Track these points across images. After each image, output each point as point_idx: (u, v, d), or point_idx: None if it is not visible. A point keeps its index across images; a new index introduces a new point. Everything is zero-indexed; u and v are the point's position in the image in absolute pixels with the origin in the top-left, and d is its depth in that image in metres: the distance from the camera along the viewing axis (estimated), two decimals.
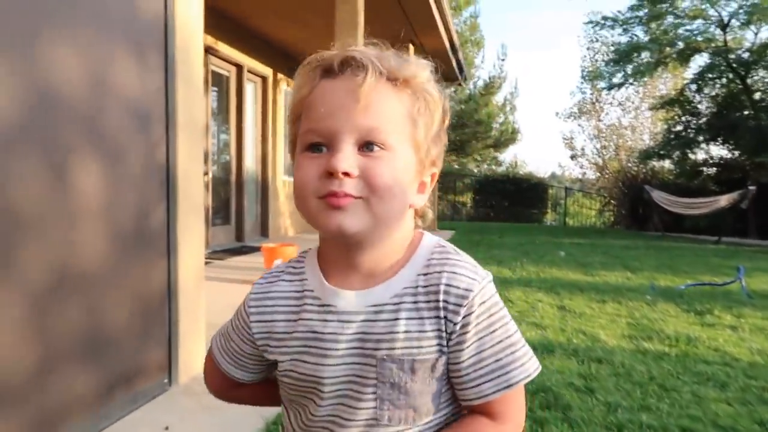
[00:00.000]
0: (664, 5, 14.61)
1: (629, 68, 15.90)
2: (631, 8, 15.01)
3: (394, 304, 0.73)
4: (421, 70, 0.75)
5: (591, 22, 16.01)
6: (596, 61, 20.65)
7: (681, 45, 14.98)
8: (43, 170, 1.96)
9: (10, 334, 1.83)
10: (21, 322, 1.87)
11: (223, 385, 0.89)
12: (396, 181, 0.70)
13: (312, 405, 0.77)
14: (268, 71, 9.00)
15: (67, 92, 2.06)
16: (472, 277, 0.74)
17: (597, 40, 20.52)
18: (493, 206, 19.39)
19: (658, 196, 13.66)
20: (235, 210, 8.29)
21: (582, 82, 22.31)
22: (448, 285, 0.73)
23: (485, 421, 0.76)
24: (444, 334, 0.73)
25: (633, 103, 20.90)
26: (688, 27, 15.00)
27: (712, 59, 15.35)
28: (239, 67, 8.08)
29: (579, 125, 23.21)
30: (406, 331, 0.72)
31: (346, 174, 0.68)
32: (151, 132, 2.53)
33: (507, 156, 25.32)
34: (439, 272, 0.74)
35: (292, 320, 0.77)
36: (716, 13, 14.69)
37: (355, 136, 0.69)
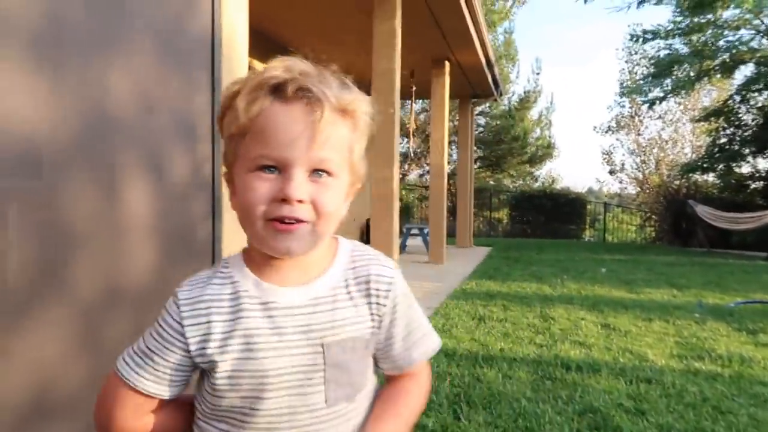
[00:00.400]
0: (705, 17, 14.30)
1: (668, 82, 15.55)
2: (672, 21, 14.72)
3: (331, 295, 0.83)
4: (363, 103, 0.82)
5: (633, 36, 15.73)
6: (635, 74, 20.34)
7: (724, 56, 14.58)
8: (96, 187, 2.02)
9: (63, 348, 1.88)
10: (73, 337, 1.92)
11: (130, 417, 0.84)
12: (338, 205, 0.81)
13: (257, 403, 0.80)
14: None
15: (120, 111, 2.12)
16: (391, 268, 0.89)
17: (635, 53, 20.24)
18: (530, 222, 19.11)
19: (702, 211, 13.25)
20: None
21: (620, 96, 21.91)
22: (377, 275, 0.86)
23: (410, 380, 0.93)
24: (375, 316, 0.85)
25: (674, 115, 20.45)
26: (730, 38, 14.62)
27: (757, 69, 14.91)
28: None
29: (617, 140, 22.76)
30: (343, 318, 0.83)
31: (299, 200, 0.75)
32: (198, 150, 2.59)
33: (543, 171, 24.96)
34: (366, 266, 0.87)
35: (230, 320, 0.81)
36: (761, 22, 14.30)
37: (308, 164, 0.76)
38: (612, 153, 22.05)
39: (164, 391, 0.84)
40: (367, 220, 12.46)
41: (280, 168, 0.76)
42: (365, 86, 6.78)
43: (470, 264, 9.17)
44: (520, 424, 2.65)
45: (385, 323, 0.87)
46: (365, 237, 12.26)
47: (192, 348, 0.81)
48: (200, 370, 0.85)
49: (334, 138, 0.78)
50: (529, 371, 3.46)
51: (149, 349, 0.83)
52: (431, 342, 0.94)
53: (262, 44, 6.97)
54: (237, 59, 2.83)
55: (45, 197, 1.81)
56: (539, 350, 3.96)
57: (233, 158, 0.81)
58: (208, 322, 0.81)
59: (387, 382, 0.95)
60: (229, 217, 2.78)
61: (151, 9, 2.28)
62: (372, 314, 0.85)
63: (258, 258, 0.84)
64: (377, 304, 0.85)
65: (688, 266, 9.85)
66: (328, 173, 0.79)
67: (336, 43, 7.90)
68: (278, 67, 0.79)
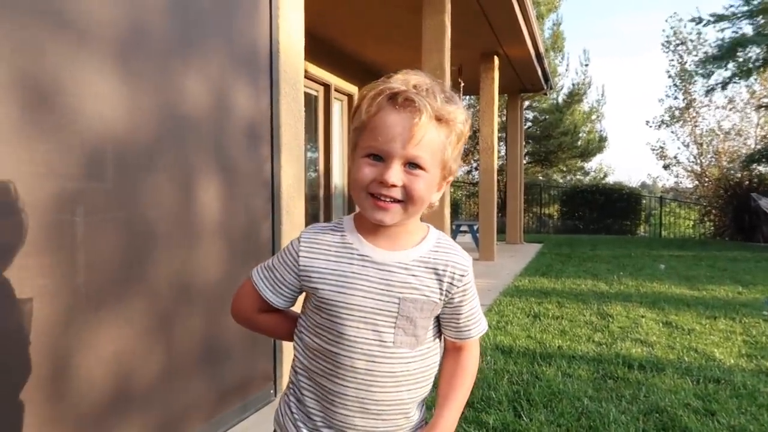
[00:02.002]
0: None
1: (731, 66, 14.84)
2: (745, 2, 13.98)
3: (414, 265, 1.05)
4: (459, 114, 1.01)
5: (694, 19, 15.08)
6: (685, 63, 19.56)
7: None
8: (172, 189, 2.11)
9: (139, 343, 1.96)
10: (148, 332, 2.00)
11: (250, 309, 1.13)
12: (426, 193, 1.00)
13: (342, 327, 1.02)
14: (353, 89, 9.20)
15: (192, 116, 2.20)
16: (467, 259, 1.10)
17: (683, 43, 19.44)
18: (582, 218, 18.66)
19: (767, 204, 12.64)
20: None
21: (674, 86, 21.03)
22: (454, 262, 1.07)
23: (466, 354, 1.15)
24: (444, 292, 1.06)
25: (739, 103, 19.56)
26: None
27: None
28: (327, 87, 8.32)
29: (672, 132, 21.88)
30: (419, 284, 1.04)
31: (393, 185, 0.97)
32: (259, 152, 2.65)
33: (594, 165, 24.29)
34: (447, 252, 1.08)
35: (334, 261, 1.04)
36: None
37: (404, 158, 0.97)
38: (663, 148, 21.19)
39: (276, 300, 1.10)
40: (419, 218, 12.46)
41: (383, 158, 0.97)
42: None
43: (522, 261, 9.04)
44: (583, 423, 2.60)
45: (456, 301, 1.08)
46: None
47: (301, 274, 1.05)
48: (306, 293, 1.10)
49: (429, 140, 0.97)
50: (589, 369, 3.39)
51: (273, 266, 1.10)
52: (484, 324, 1.17)
53: (312, 44, 7.06)
54: (293, 63, 2.89)
55: (125, 197, 1.90)
56: (599, 348, 3.87)
57: (353, 146, 1.02)
58: (318, 258, 1.05)
59: (447, 355, 1.16)
60: (288, 218, 2.84)
61: (217, 17, 2.35)
62: (441, 289, 1.06)
63: (364, 222, 1.06)
64: (450, 283, 1.06)
65: (753, 262, 9.42)
66: (420, 167, 0.98)
67: (385, 41, 7.92)
68: (399, 80, 0.99)
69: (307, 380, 1.09)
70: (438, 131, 0.98)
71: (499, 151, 11.35)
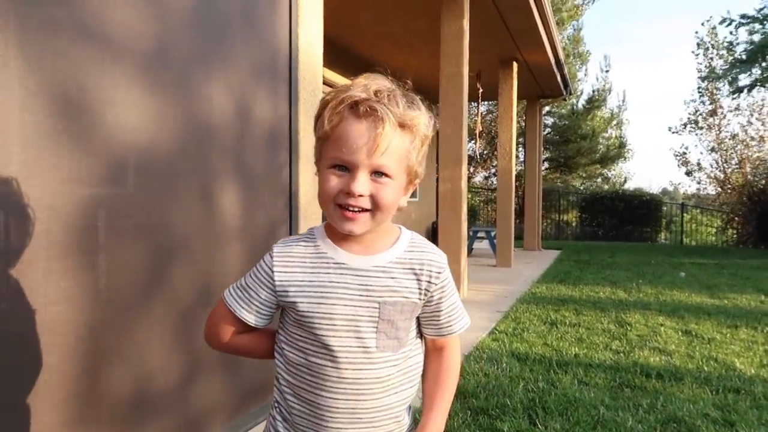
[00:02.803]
0: None
1: (755, 71, 14.59)
2: None
3: (391, 267, 1.05)
4: (422, 118, 1.01)
5: (725, 20, 14.85)
6: (713, 68, 19.28)
7: None
8: (194, 195, 2.15)
9: (161, 345, 2.00)
10: (171, 335, 2.05)
11: (227, 333, 1.12)
12: (393, 199, 1.01)
13: (324, 338, 1.02)
14: None
15: (213, 124, 2.24)
16: (442, 256, 1.11)
17: (711, 47, 19.18)
18: (601, 225, 18.47)
19: None
20: None
21: (699, 90, 20.74)
22: (429, 260, 1.08)
23: (448, 353, 1.15)
24: (423, 291, 1.07)
25: (763, 108, 19.23)
26: None
27: None
28: None
29: (696, 135, 21.51)
30: (398, 286, 1.05)
31: (360, 195, 0.97)
32: (278, 158, 2.69)
33: (615, 172, 24.00)
34: (422, 251, 1.09)
35: (309, 272, 1.04)
36: None
37: (369, 168, 0.97)
38: (688, 152, 20.91)
39: (252, 319, 1.09)
40: (433, 223, 12.45)
41: (348, 168, 0.98)
42: (432, 90, 6.78)
43: (539, 267, 8.99)
44: (599, 431, 2.59)
45: (435, 298, 1.09)
46: (431, 240, 12.24)
47: (278, 289, 1.05)
48: (282, 308, 1.09)
49: (393, 147, 0.98)
50: (606, 378, 3.37)
51: (247, 285, 1.09)
52: (466, 321, 1.17)
53: (330, 51, 7.11)
54: (312, 70, 2.92)
55: (148, 202, 1.94)
56: (616, 356, 3.84)
57: (318, 156, 1.03)
58: (293, 271, 1.05)
59: (430, 357, 1.16)
60: (305, 223, 2.87)
61: (238, 27, 2.39)
62: (420, 289, 1.07)
63: (336, 230, 1.05)
64: (428, 282, 1.07)
65: None
66: (386, 175, 0.99)
67: (403, 47, 7.95)
68: (359, 86, 0.98)
69: (293, 397, 1.08)
70: (402, 137, 0.99)
71: (517, 157, 11.31)
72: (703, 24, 24.91)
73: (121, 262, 1.83)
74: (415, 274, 1.06)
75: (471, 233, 10.56)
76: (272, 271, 1.05)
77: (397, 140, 0.98)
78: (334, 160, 0.98)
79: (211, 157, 2.24)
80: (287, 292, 1.04)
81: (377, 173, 0.98)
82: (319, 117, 1.01)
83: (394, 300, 1.04)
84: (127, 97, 1.83)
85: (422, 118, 1.01)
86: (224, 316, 1.11)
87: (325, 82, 8.48)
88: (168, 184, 2.03)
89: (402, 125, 0.98)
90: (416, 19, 6.69)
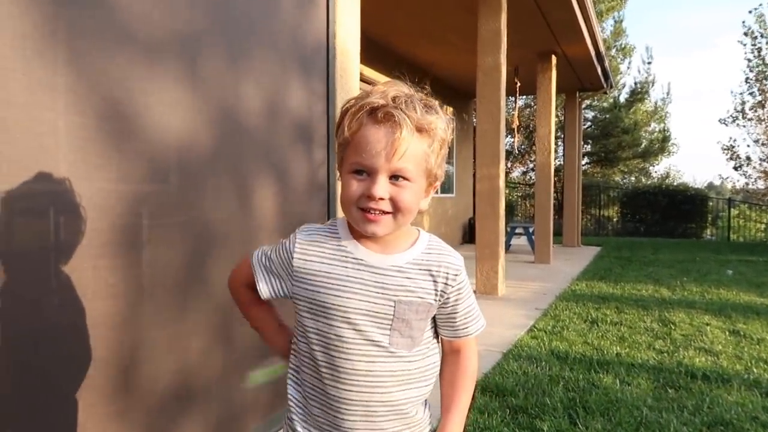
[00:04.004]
0: None
1: None
2: None
3: (408, 268, 1.07)
4: (439, 122, 1.03)
5: None
6: (762, 57, 18.52)
7: None
8: (232, 193, 2.19)
9: (200, 341, 2.05)
10: (209, 330, 2.09)
11: (244, 288, 1.20)
12: (413, 202, 1.03)
13: (338, 330, 1.05)
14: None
15: (249, 121, 2.28)
16: (459, 259, 1.13)
17: (761, 36, 18.42)
18: (643, 220, 18.01)
19: None
20: None
21: (747, 81, 19.94)
22: (447, 263, 1.10)
23: (465, 354, 1.16)
24: (438, 292, 1.09)
25: None
26: None
27: None
28: None
29: (743, 127, 20.69)
30: (414, 286, 1.07)
31: (380, 198, 0.99)
32: (315, 155, 2.71)
33: (658, 166, 23.35)
34: (439, 254, 1.11)
35: (327, 264, 1.07)
36: None
37: (388, 171, 1.00)
38: (734, 147, 20.11)
39: (262, 287, 1.14)
40: (470, 219, 12.36)
41: (368, 173, 1.01)
42: (470, 85, 6.71)
43: (579, 264, 8.83)
44: None
45: (451, 300, 1.11)
46: (467, 236, 12.17)
47: (294, 272, 1.09)
48: (296, 301, 1.10)
49: (411, 152, 1.00)
50: (649, 378, 3.29)
51: (270, 257, 1.15)
52: (481, 323, 1.18)
53: (366, 47, 7.12)
54: (350, 68, 2.94)
55: (188, 201, 1.99)
56: (659, 356, 3.75)
57: (340, 162, 1.06)
58: (311, 260, 1.09)
59: (446, 359, 1.18)
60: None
61: (276, 26, 2.42)
62: (436, 290, 1.09)
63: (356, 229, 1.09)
64: (444, 283, 1.09)
65: None
66: (405, 178, 1.01)
67: (440, 43, 7.91)
68: (377, 93, 1.02)
69: (311, 389, 1.12)
70: (420, 141, 1.01)
71: (556, 152, 11.13)
72: (750, 12, 23.86)
73: (163, 259, 1.88)
74: (432, 275, 1.08)
75: (509, 229, 10.44)
76: (291, 257, 1.10)
77: (415, 144, 1.00)
78: (355, 165, 1.01)
79: (248, 155, 2.27)
80: (304, 279, 1.08)
81: (396, 177, 1.00)
82: (339, 124, 1.05)
83: (409, 299, 1.06)
84: (168, 97, 1.87)
85: (439, 123, 1.04)
86: (244, 274, 1.18)
87: (362, 79, 8.53)
88: (207, 182, 2.07)
89: (419, 129, 1.01)
90: (453, 14, 6.63)
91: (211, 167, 2.07)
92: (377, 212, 1.01)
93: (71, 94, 1.54)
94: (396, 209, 1.01)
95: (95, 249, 1.61)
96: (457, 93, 11.48)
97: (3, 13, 1.36)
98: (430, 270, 1.08)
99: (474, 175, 11.27)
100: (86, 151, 1.58)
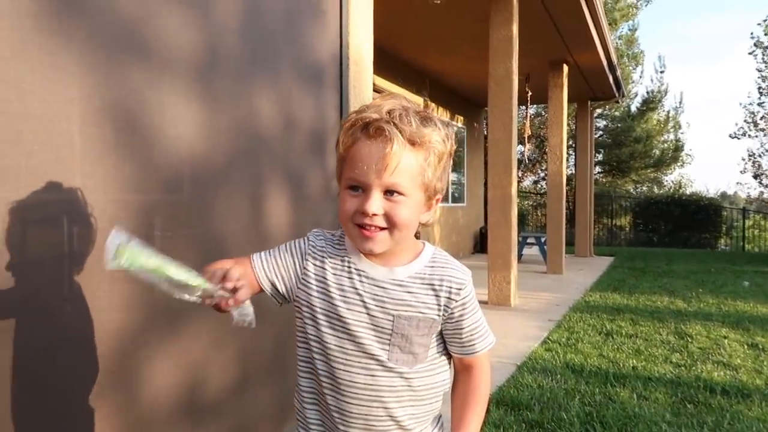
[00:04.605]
0: None
1: None
2: None
3: (409, 282, 1.05)
4: (435, 135, 1.01)
5: None
6: None
7: None
8: (244, 204, 2.18)
9: (212, 353, 2.03)
10: (221, 343, 2.07)
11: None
12: (410, 217, 1.01)
13: (335, 339, 1.04)
14: (418, 100, 9.23)
15: (264, 134, 2.27)
16: (465, 273, 1.10)
17: None
18: (656, 230, 17.85)
19: None
20: None
21: (759, 90, 19.74)
22: (450, 276, 1.07)
23: (477, 373, 1.13)
24: (442, 308, 1.06)
25: None
26: None
27: None
28: None
29: (754, 138, 20.48)
30: (414, 301, 1.05)
31: (374, 214, 0.98)
32: (328, 166, 2.70)
33: (670, 176, 23.15)
34: (443, 267, 1.08)
35: (331, 272, 1.06)
36: None
37: (381, 187, 0.98)
38: (755, 156, 19.87)
39: (268, 286, 1.09)
40: (481, 229, 12.30)
41: (363, 188, 0.99)
42: (481, 93, 6.68)
43: (592, 275, 8.74)
44: None
45: (456, 315, 1.08)
46: (479, 246, 12.10)
47: (302, 273, 1.08)
48: (297, 307, 1.09)
49: (404, 166, 0.98)
50: (667, 392, 3.23)
51: (275, 252, 1.11)
52: (490, 340, 1.15)
53: (378, 56, 7.13)
54: (363, 78, 2.93)
55: (201, 212, 1.98)
56: (677, 370, 3.68)
57: (339, 176, 1.05)
58: (322, 267, 1.07)
59: (458, 377, 1.15)
60: None
61: (289, 37, 2.41)
62: (438, 305, 1.06)
63: None
64: (447, 298, 1.06)
65: None
66: (399, 193, 0.99)
67: (451, 52, 7.91)
68: (373, 107, 1.00)
69: (311, 404, 1.11)
70: (415, 155, 0.99)
71: (568, 161, 11.05)
72: (759, 24, 23.66)
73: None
74: (434, 289, 1.06)
75: (520, 239, 10.37)
76: (304, 256, 1.09)
77: (409, 158, 0.98)
78: (350, 180, 1.00)
79: (261, 166, 2.26)
80: (308, 282, 1.07)
81: (391, 192, 0.98)
82: (337, 140, 1.04)
83: (409, 314, 1.04)
84: (183, 110, 1.86)
85: (435, 135, 1.01)
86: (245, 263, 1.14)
87: (375, 89, 8.54)
88: (220, 194, 2.06)
89: (413, 143, 0.98)
90: (465, 23, 6.64)
91: (223, 178, 2.06)
92: (372, 228, 0.99)
93: (88, 107, 1.53)
94: (391, 225, 1.00)
95: None
96: (468, 102, 11.47)
97: (25, 28, 1.36)
98: (432, 284, 1.06)
99: (485, 184, 11.23)
100: (101, 163, 1.58)
